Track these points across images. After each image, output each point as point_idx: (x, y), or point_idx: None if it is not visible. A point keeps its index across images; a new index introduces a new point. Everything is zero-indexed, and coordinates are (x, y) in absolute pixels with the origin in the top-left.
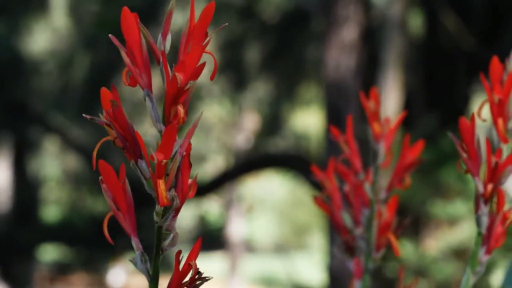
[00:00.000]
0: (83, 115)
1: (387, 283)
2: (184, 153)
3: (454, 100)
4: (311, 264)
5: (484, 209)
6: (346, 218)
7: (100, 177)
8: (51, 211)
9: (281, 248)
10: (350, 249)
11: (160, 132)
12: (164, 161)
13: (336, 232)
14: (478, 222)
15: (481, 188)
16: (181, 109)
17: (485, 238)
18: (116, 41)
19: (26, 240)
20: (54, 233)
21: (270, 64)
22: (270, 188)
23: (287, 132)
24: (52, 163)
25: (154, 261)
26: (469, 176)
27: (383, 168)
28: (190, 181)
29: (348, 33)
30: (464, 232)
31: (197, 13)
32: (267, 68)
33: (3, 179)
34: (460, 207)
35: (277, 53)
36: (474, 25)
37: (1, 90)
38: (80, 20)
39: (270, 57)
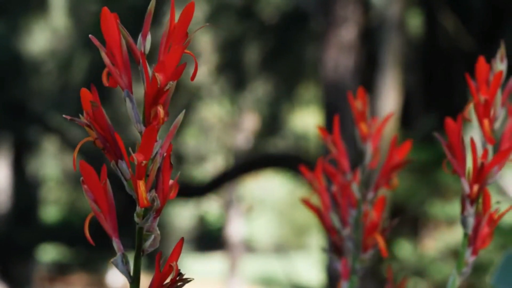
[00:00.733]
0: (63, 115)
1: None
2: (165, 154)
3: (453, 100)
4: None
5: (470, 210)
6: (334, 219)
7: (81, 178)
8: (50, 211)
9: (280, 248)
10: (339, 250)
11: (140, 133)
12: (144, 162)
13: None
14: (464, 223)
15: (467, 189)
16: (161, 110)
17: (471, 239)
18: (96, 41)
19: (25, 240)
20: (54, 233)
21: (270, 64)
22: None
23: (287, 132)
24: (52, 163)
25: (135, 263)
26: None
27: (371, 168)
28: (171, 182)
29: (347, 33)
30: (462, 232)
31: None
32: (267, 68)
33: (3, 179)
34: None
35: (276, 53)
36: (472, 25)
37: (0, 90)
38: (79, 20)
39: (269, 57)
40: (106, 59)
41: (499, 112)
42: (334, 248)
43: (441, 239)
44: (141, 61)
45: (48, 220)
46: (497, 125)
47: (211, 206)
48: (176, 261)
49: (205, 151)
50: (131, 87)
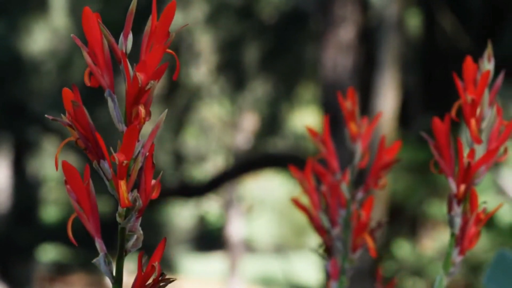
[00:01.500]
0: (45, 115)
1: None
2: (147, 154)
3: (451, 100)
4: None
5: (457, 210)
6: (323, 219)
7: (64, 179)
8: (50, 211)
9: (280, 248)
10: (328, 250)
11: (122, 132)
12: (125, 162)
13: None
14: (451, 223)
15: (454, 189)
16: (142, 110)
17: (458, 239)
18: (78, 41)
19: (25, 240)
20: (54, 233)
21: (269, 64)
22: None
23: (286, 132)
24: (52, 163)
25: (117, 263)
26: None
27: (360, 168)
28: (154, 182)
29: (345, 33)
30: None
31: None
32: (266, 68)
33: (3, 179)
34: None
35: (275, 53)
36: (471, 25)
37: (0, 90)
38: (79, 20)
39: (269, 57)
40: (88, 59)
41: (487, 111)
42: (324, 248)
43: (440, 239)
44: (122, 60)
45: (48, 220)
46: (484, 124)
47: (211, 206)
48: (159, 261)
49: (205, 151)
50: (113, 87)
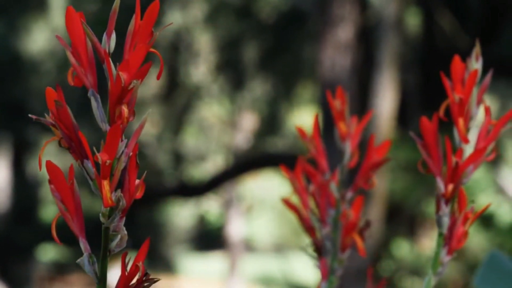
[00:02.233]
0: (29, 115)
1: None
2: (131, 154)
3: None
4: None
5: (445, 210)
6: (313, 219)
7: (48, 178)
8: (50, 211)
9: (280, 248)
10: (319, 250)
11: (105, 132)
12: (108, 161)
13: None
14: (439, 223)
15: (442, 188)
16: (125, 109)
17: (446, 239)
18: (62, 41)
19: (25, 239)
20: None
21: (268, 64)
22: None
23: (286, 131)
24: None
25: (101, 263)
26: None
27: (349, 167)
28: (138, 181)
29: (344, 32)
30: None
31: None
32: (265, 67)
33: (2, 179)
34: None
35: (274, 52)
36: (470, 25)
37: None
38: None
39: (267, 57)
40: (72, 59)
41: (475, 111)
42: (315, 248)
43: None
44: (105, 60)
45: (47, 220)
46: (472, 124)
47: (211, 206)
48: (143, 261)
49: (205, 151)
50: (96, 87)
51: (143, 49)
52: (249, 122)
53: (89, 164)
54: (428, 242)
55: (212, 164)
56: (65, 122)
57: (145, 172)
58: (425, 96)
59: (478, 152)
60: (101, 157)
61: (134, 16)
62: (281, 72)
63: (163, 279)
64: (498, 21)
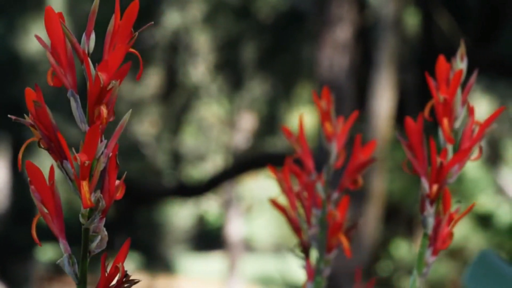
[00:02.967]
0: (8, 115)
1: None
2: (111, 154)
3: None
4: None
5: (430, 210)
6: (300, 219)
7: (28, 179)
8: None
9: (280, 248)
10: (306, 250)
11: (84, 132)
12: (87, 162)
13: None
14: (424, 223)
15: (426, 189)
16: (104, 110)
17: (431, 239)
18: (41, 42)
19: (24, 239)
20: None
21: (267, 64)
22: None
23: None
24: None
25: (81, 264)
26: (463, 175)
27: (336, 168)
28: (117, 182)
29: (342, 32)
30: (458, 232)
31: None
32: (264, 67)
33: (1, 179)
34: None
35: (273, 52)
36: (468, 25)
37: None
38: (78, 21)
39: (266, 57)
40: (51, 59)
41: (459, 111)
42: (301, 248)
43: None
44: (84, 60)
45: None
46: (457, 124)
47: (210, 206)
48: (123, 262)
49: (204, 151)
50: (76, 87)
51: (122, 49)
52: (248, 122)
53: (68, 165)
54: None
55: (211, 164)
56: (44, 123)
57: (145, 172)
58: (423, 96)
59: (463, 152)
60: (80, 157)
61: (113, 16)
62: (280, 72)
63: (163, 279)
64: (497, 21)
